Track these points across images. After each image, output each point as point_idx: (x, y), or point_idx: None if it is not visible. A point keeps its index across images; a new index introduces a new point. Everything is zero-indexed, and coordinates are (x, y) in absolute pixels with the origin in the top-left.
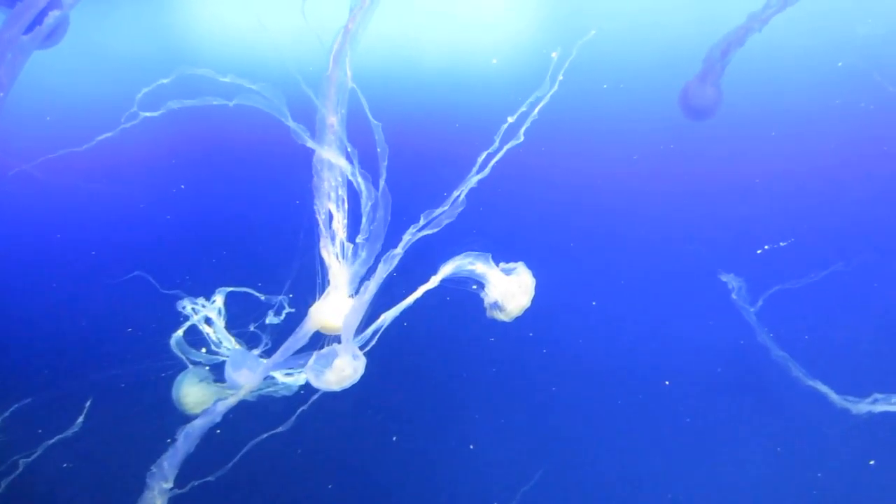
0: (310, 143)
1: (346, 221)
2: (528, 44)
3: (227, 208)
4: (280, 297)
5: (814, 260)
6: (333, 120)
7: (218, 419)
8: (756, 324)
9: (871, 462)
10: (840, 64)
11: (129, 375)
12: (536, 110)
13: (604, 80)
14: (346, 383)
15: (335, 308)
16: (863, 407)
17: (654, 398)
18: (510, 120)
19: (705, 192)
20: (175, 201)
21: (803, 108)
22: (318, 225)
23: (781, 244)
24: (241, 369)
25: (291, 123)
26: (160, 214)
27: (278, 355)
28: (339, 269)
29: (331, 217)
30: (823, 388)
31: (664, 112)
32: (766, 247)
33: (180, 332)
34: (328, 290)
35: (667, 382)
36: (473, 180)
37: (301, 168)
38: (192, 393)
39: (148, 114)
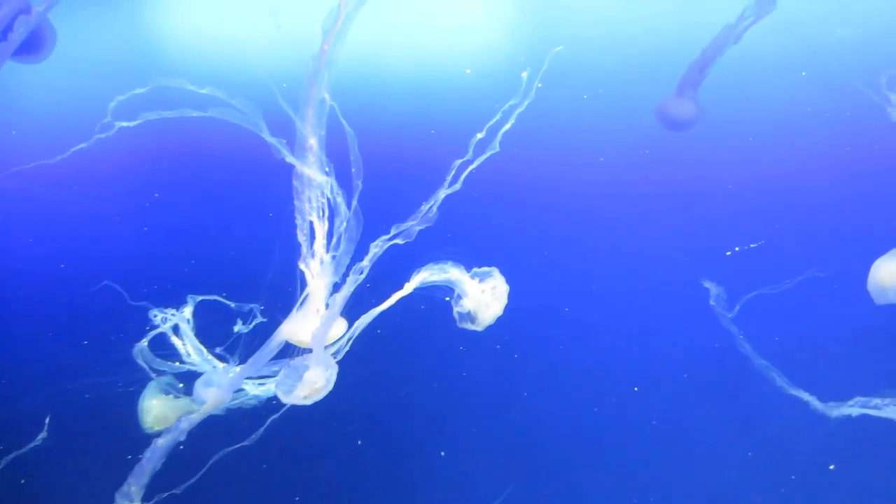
0: (289, 159)
1: (325, 237)
2: (502, 53)
3: (202, 218)
4: (252, 306)
5: (790, 265)
6: (313, 142)
7: (182, 437)
8: (734, 329)
9: (832, 467)
10: (804, 73)
11: (94, 388)
12: (510, 124)
13: (579, 87)
14: (318, 396)
15: (308, 321)
16: (837, 410)
17: (627, 404)
18: (479, 136)
19: (680, 198)
20: (149, 211)
21: (780, 114)
22: (294, 237)
23: (752, 245)
24: (212, 386)
25: (271, 139)
26: (135, 224)
27: (247, 368)
28: (314, 282)
29: (311, 230)
30: (797, 392)
31: (638, 118)
32: (737, 248)
33: (145, 342)
34: (302, 302)
35: (636, 388)
36: (442, 194)
37: (278, 178)
38: (155, 407)
39: (124, 123)
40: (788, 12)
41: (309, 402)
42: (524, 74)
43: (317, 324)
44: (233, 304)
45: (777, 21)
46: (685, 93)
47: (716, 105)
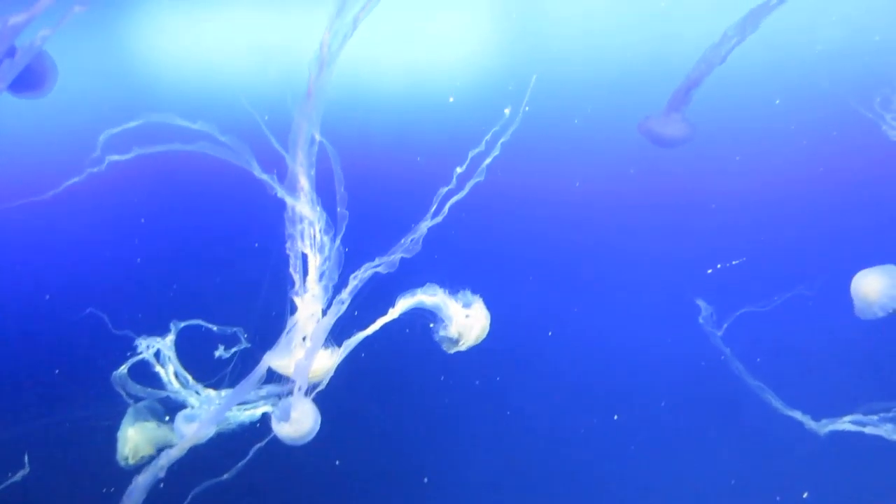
0: (280, 193)
1: (315, 266)
2: (485, 79)
3: (188, 247)
4: (235, 329)
5: (775, 283)
6: (304, 182)
7: (162, 474)
8: (723, 347)
9: (805, 495)
10: (777, 102)
11: (75, 421)
12: (495, 153)
13: (563, 106)
14: (308, 433)
15: (294, 350)
16: (825, 428)
17: (609, 426)
18: (459, 170)
19: (664, 218)
20: (138, 241)
21: (765, 132)
22: (281, 266)
23: (734, 262)
24: (194, 421)
25: (262, 175)
26: (128, 254)
27: (231, 399)
28: (303, 310)
29: (301, 260)
30: (783, 409)
31: (623, 138)
32: (719, 265)
33: (124, 368)
34: (288, 331)
35: (615, 417)
36: (425, 226)
37: (266, 208)
38: (132, 437)
39: (116, 157)
40: (774, 27)
41: (298, 438)
42: (507, 111)
43: (301, 354)
44: (215, 328)
45: (761, 39)
46: (671, 114)
47: (701, 123)
